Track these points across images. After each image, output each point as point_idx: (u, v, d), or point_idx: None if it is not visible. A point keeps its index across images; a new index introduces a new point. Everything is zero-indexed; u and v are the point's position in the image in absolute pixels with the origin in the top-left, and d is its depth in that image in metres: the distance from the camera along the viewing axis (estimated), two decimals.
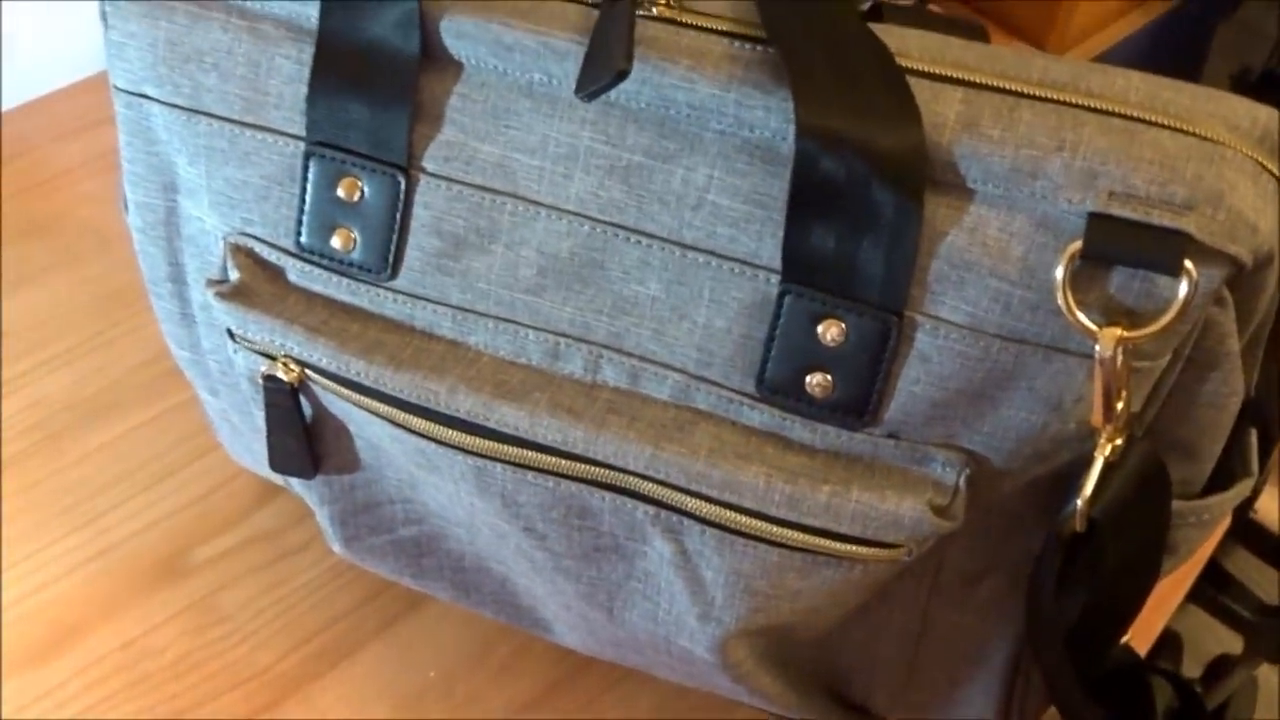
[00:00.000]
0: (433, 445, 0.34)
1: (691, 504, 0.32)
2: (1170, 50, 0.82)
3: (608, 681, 0.46)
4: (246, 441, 0.45)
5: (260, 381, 0.35)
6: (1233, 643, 0.58)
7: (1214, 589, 0.57)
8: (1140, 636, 0.50)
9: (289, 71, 0.34)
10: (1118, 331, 0.28)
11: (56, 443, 0.52)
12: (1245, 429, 0.34)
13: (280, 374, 0.35)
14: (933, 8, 0.61)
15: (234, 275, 0.35)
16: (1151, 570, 0.34)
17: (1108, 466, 0.30)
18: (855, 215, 0.29)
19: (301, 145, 0.34)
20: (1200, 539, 0.35)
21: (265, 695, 0.45)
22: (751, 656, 0.37)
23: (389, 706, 0.45)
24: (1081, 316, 0.28)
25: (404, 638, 0.47)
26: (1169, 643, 0.57)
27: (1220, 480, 0.34)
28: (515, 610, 0.42)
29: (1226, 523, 0.38)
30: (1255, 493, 0.35)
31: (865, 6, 0.34)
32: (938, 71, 0.29)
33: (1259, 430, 0.34)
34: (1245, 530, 0.65)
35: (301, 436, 0.37)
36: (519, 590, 0.41)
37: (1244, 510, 0.36)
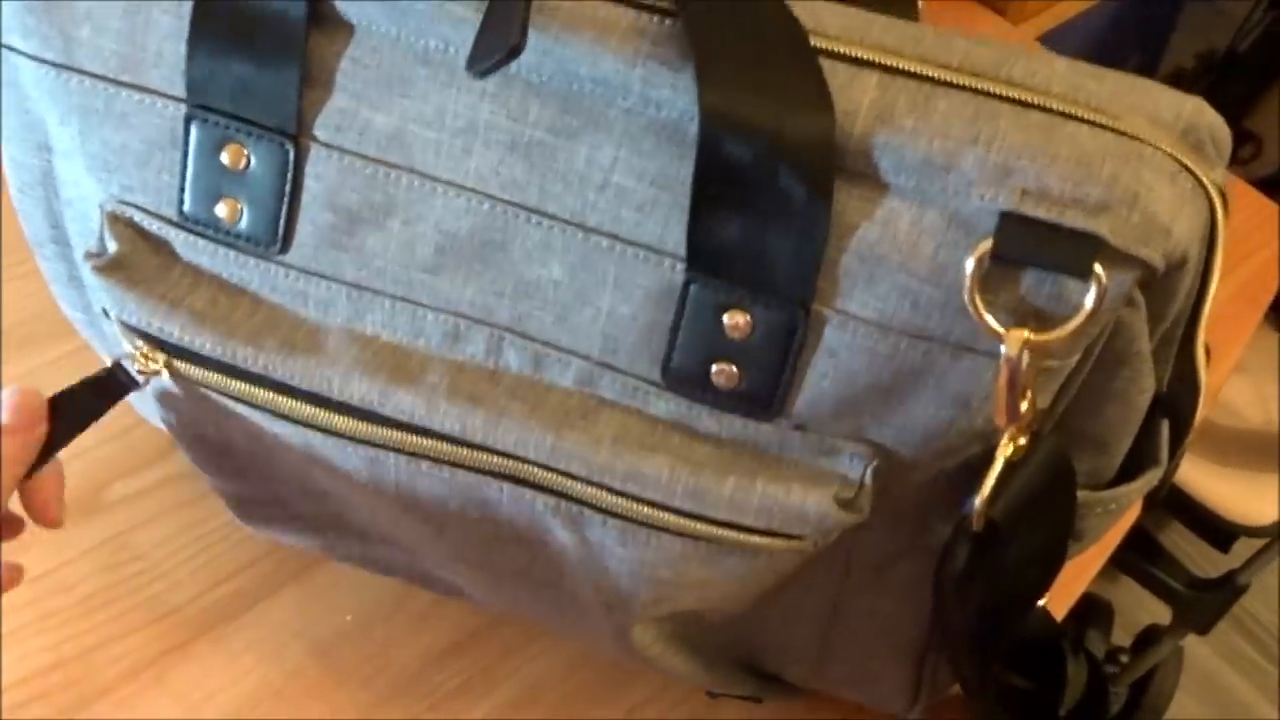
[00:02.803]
0: (319, 435, 0.32)
1: (593, 494, 0.31)
2: (1136, 25, 0.81)
3: (530, 633, 0.46)
4: (149, 406, 0.43)
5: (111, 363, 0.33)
6: (1163, 614, 0.60)
7: (1145, 560, 0.58)
8: (1059, 601, 0.50)
9: (168, 27, 0.31)
10: (1024, 334, 0.27)
11: None
12: (1157, 420, 0.33)
13: (132, 366, 0.33)
14: None
15: (112, 247, 0.33)
16: (1056, 559, 0.34)
17: (1009, 466, 0.29)
18: (762, 204, 0.28)
19: (183, 108, 0.32)
20: (1107, 526, 0.35)
21: (177, 635, 0.44)
22: (659, 640, 0.36)
23: (304, 650, 0.44)
24: (989, 318, 0.27)
25: (322, 582, 0.46)
26: (1100, 612, 0.58)
27: (1130, 469, 0.34)
28: (427, 579, 0.42)
29: (1136, 508, 0.38)
30: (1164, 480, 0.35)
31: None
32: (854, 54, 0.28)
33: (1170, 421, 0.34)
34: (1178, 504, 0.66)
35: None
36: (428, 565, 0.40)
37: (1154, 497, 0.36)
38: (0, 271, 0.55)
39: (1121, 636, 0.61)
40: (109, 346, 0.42)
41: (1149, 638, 0.62)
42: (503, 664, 0.45)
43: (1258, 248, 0.62)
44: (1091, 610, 0.55)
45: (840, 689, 0.43)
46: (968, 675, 0.37)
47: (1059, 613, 0.50)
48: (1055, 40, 0.70)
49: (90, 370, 0.50)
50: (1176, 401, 0.33)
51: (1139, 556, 0.61)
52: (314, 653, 0.44)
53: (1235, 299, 0.59)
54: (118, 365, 0.32)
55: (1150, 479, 0.34)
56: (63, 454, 0.47)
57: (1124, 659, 0.62)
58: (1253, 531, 0.71)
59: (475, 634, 0.46)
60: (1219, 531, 0.63)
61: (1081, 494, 0.33)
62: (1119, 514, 0.35)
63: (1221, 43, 0.81)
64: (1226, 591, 0.63)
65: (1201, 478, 0.64)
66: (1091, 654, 0.39)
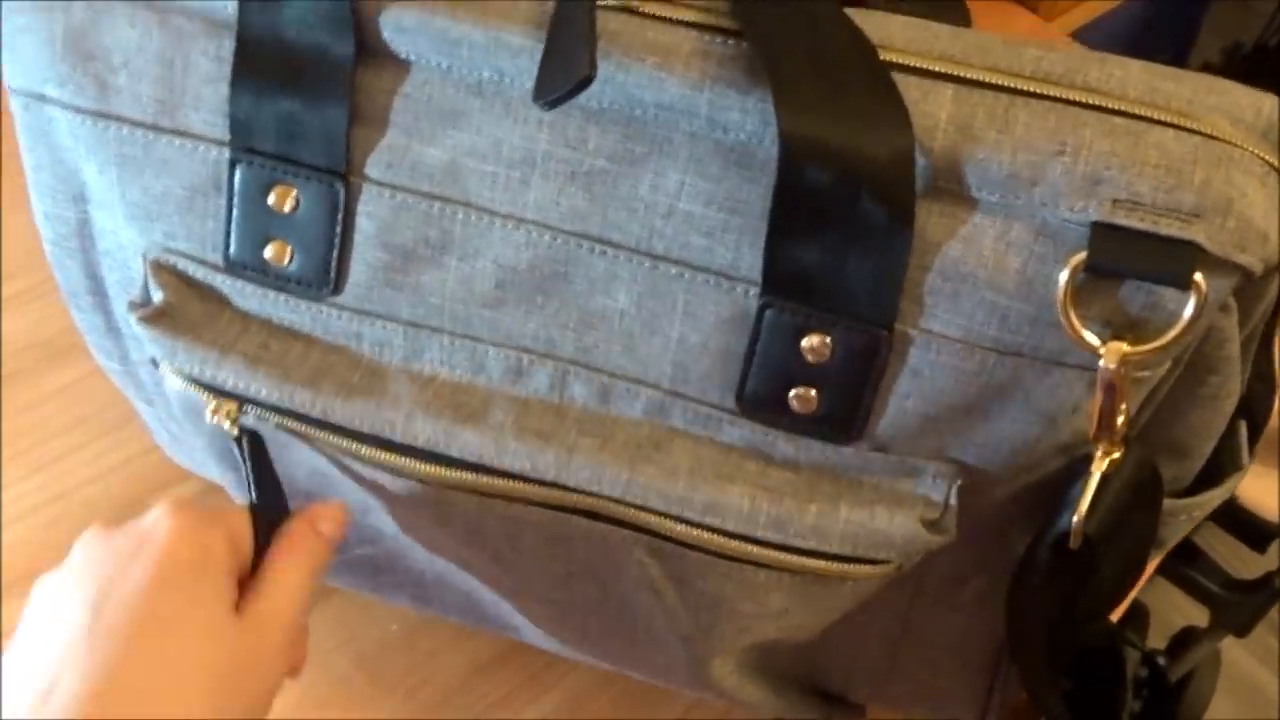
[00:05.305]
0: (387, 476, 0.31)
1: (672, 528, 0.31)
2: (1164, 20, 0.80)
3: None
4: (188, 448, 0.42)
5: (221, 424, 0.32)
6: (1198, 616, 0.59)
7: (1181, 562, 0.57)
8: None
9: (207, 70, 0.30)
10: (1123, 347, 0.26)
11: (14, 384, 0.50)
12: (1236, 421, 0.33)
13: (223, 421, 0.31)
14: None
15: (158, 296, 0.32)
16: (1138, 568, 0.33)
17: (1103, 479, 0.29)
18: (841, 226, 0.27)
19: (226, 151, 0.31)
20: (1185, 532, 0.35)
21: None
22: (736, 672, 0.35)
23: (349, 660, 0.44)
24: (1085, 332, 0.26)
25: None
26: (1136, 615, 0.57)
27: (1209, 473, 0.33)
28: (481, 617, 0.41)
29: None
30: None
31: None
32: (925, 66, 0.27)
33: (1248, 421, 0.33)
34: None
35: (275, 480, 0.32)
36: (484, 602, 0.39)
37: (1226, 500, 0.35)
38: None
39: (1156, 639, 0.61)
40: (145, 395, 0.41)
41: (1185, 641, 0.62)
42: (547, 673, 0.45)
43: None
44: (1127, 613, 0.54)
45: (908, 707, 0.42)
46: (1037, 684, 0.36)
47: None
48: (1086, 36, 0.70)
49: None
50: (1254, 401, 0.33)
51: (1174, 558, 0.60)
52: (359, 663, 0.44)
53: None
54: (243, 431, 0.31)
55: (1231, 485, 0.33)
56: (105, 464, 0.46)
57: (1161, 661, 0.61)
58: None
59: (519, 644, 0.45)
60: (1256, 532, 0.62)
61: (1165, 502, 0.32)
62: (1200, 519, 0.34)
63: (1249, 38, 0.80)
64: (1265, 593, 0.62)
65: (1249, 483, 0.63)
66: (1139, 644, 0.38)
